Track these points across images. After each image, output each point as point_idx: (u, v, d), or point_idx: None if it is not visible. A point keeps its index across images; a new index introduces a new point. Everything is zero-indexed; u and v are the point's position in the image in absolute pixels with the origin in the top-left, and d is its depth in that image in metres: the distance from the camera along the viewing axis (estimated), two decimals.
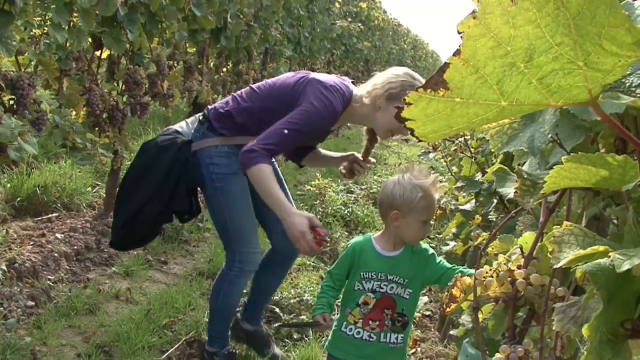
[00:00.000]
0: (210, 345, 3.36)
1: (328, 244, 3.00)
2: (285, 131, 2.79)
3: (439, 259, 2.64)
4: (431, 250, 2.65)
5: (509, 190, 1.24)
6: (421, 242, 2.65)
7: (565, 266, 0.82)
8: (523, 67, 0.70)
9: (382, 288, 2.57)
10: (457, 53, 0.70)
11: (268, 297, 3.68)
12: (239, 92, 3.19)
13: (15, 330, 3.36)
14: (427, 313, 4.62)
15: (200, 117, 3.19)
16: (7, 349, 3.15)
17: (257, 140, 2.79)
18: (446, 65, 0.71)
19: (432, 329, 4.35)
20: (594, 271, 0.75)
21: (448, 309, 1.42)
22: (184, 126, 3.24)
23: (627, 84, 0.79)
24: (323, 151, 3.50)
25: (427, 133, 0.75)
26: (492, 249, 1.53)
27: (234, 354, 3.41)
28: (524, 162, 1.34)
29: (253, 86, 3.15)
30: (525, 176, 1.09)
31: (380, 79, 2.99)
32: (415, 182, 2.55)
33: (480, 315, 1.45)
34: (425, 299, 4.74)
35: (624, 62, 0.68)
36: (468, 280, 1.42)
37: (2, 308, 3.48)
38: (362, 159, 3.33)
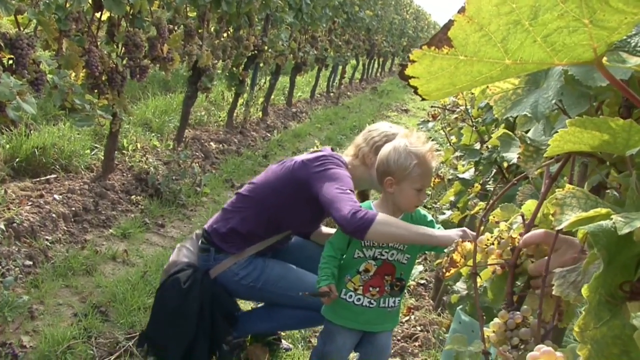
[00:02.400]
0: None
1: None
2: (342, 191, 2.67)
3: (437, 226, 2.64)
4: (430, 217, 2.66)
5: (513, 156, 1.24)
6: (420, 209, 2.66)
7: (567, 229, 0.82)
8: (528, 25, 0.69)
9: (384, 255, 2.58)
10: (461, 10, 0.70)
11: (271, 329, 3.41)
12: (227, 205, 3.09)
13: (13, 288, 3.37)
14: (422, 282, 4.65)
15: (201, 244, 3.07)
16: (5, 306, 3.17)
17: (343, 206, 2.58)
18: (450, 22, 0.71)
19: (427, 297, 4.38)
20: (595, 232, 0.76)
21: (447, 274, 1.43)
22: (187, 254, 3.11)
23: (632, 44, 0.79)
24: (324, 228, 3.39)
25: (431, 91, 0.75)
26: (493, 217, 1.53)
27: (241, 341, 3.26)
28: (527, 131, 1.34)
29: (242, 192, 3.08)
30: (529, 142, 1.09)
31: (361, 138, 3.02)
32: (410, 149, 2.53)
33: (478, 281, 1.46)
34: (420, 267, 4.76)
35: (630, 19, 0.67)
36: (469, 245, 1.42)
37: (0, 267, 3.49)
38: None
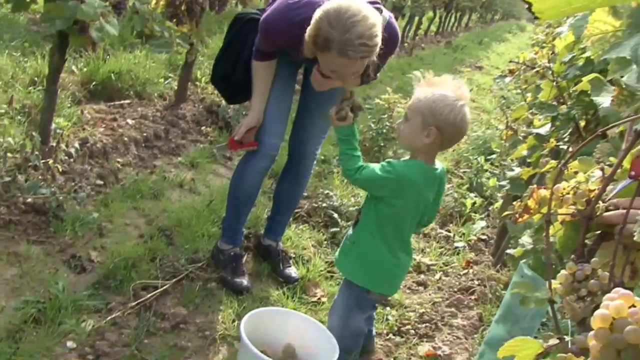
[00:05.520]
0: (221, 241, 3.37)
1: (244, 149, 3.19)
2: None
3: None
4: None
5: (604, 99, 1.21)
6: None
7: None
8: None
9: None
10: None
11: (288, 209, 3.59)
12: None
13: (84, 205, 3.49)
14: (483, 237, 4.62)
15: None
16: (76, 221, 3.29)
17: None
18: None
19: (487, 253, 4.36)
20: None
21: (520, 219, 1.42)
22: None
23: None
24: None
25: (546, 9, 0.73)
26: (571, 168, 1.50)
27: (239, 255, 3.36)
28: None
29: None
30: (624, 86, 1.06)
31: None
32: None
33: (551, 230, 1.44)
34: (482, 223, 4.73)
35: None
36: (544, 192, 1.40)
37: (73, 183, 3.60)
38: None
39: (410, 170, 2.50)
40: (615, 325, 0.81)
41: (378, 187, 2.53)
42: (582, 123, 2.71)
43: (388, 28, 2.82)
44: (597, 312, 0.82)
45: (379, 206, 2.54)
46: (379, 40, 2.61)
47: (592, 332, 0.83)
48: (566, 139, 2.71)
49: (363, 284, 2.62)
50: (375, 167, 2.50)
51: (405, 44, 13.07)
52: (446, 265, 4.10)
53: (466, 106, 2.46)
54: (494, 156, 6.04)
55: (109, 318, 2.75)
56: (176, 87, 5.44)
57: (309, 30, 2.63)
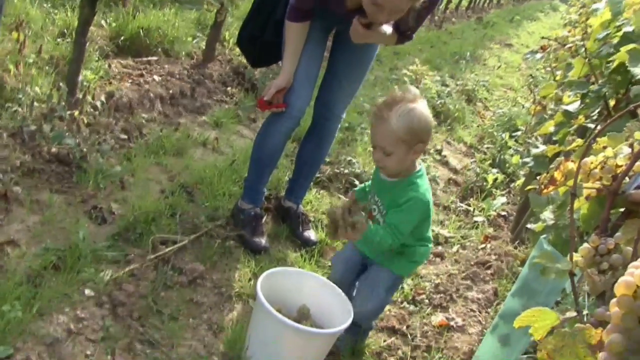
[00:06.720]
0: (242, 200, 3.38)
1: (272, 110, 3.17)
2: None
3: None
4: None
5: None
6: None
7: None
8: None
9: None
10: None
11: (310, 172, 3.60)
12: None
13: (107, 158, 3.51)
14: (503, 213, 4.61)
15: None
16: (99, 173, 3.31)
17: None
18: None
19: (505, 229, 4.35)
20: None
21: (545, 190, 1.41)
22: None
23: None
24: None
25: None
26: (600, 144, 1.49)
27: (259, 215, 3.37)
28: None
29: None
30: None
31: None
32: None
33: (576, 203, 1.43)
34: (503, 199, 4.71)
35: None
36: (571, 165, 1.39)
37: (97, 135, 3.62)
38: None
39: (424, 182, 2.60)
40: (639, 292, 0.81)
41: (419, 220, 2.58)
42: (612, 102, 2.67)
43: None
44: (621, 279, 0.82)
45: None
46: None
47: (614, 300, 0.83)
48: (594, 118, 2.67)
49: (403, 273, 2.79)
50: (405, 212, 2.52)
51: (436, 17, 12.93)
52: (464, 239, 4.10)
53: (423, 100, 2.55)
54: (518, 133, 6.00)
55: (127, 269, 2.78)
56: (204, 47, 5.43)
57: None
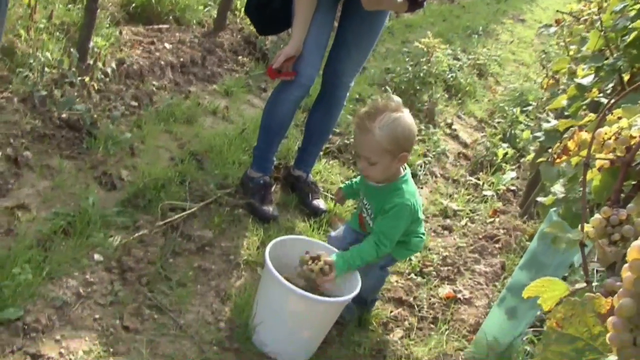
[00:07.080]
0: (251, 169, 3.38)
1: (282, 78, 3.16)
2: None
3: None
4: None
5: None
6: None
7: None
8: None
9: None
10: None
11: (319, 140, 3.59)
12: None
13: (117, 124, 3.51)
14: (512, 188, 4.59)
15: None
16: (109, 139, 3.31)
17: None
18: None
19: (514, 204, 4.34)
20: None
21: (558, 160, 1.40)
22: None
23: None
24: None
25: None
26: (614, 115, 1.47)
27: (269, 184, 3.37)
28: None
29: None
30: None
31: None
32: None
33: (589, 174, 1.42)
34: (512, 174, 4.69)
35: None
36: (585, 135, 1.38)
37: (108, 102, 3.62)
38: None
39: (409, 187, 2.63)
40: None
41: (407, 223, 2.62)
42: (626, 77, 2.64)
43: None
44: (634, 244, 0.81)
45: None
46: None
47: (626, 265, 0.82)
48: (608, 92, 2.64)
49: (398, 257, 2.85)
50: (392, 218, 2.56)
51: None
52: (473, 212, 4.09)
53: (406, 109, 2.57)
54: (529, 108, 5.96)
55: (136, 235, 2.79)
56: (215, 15, 5.39)
57: None
